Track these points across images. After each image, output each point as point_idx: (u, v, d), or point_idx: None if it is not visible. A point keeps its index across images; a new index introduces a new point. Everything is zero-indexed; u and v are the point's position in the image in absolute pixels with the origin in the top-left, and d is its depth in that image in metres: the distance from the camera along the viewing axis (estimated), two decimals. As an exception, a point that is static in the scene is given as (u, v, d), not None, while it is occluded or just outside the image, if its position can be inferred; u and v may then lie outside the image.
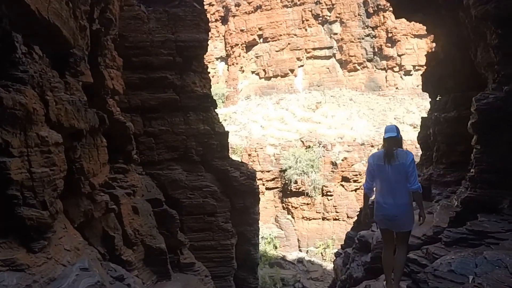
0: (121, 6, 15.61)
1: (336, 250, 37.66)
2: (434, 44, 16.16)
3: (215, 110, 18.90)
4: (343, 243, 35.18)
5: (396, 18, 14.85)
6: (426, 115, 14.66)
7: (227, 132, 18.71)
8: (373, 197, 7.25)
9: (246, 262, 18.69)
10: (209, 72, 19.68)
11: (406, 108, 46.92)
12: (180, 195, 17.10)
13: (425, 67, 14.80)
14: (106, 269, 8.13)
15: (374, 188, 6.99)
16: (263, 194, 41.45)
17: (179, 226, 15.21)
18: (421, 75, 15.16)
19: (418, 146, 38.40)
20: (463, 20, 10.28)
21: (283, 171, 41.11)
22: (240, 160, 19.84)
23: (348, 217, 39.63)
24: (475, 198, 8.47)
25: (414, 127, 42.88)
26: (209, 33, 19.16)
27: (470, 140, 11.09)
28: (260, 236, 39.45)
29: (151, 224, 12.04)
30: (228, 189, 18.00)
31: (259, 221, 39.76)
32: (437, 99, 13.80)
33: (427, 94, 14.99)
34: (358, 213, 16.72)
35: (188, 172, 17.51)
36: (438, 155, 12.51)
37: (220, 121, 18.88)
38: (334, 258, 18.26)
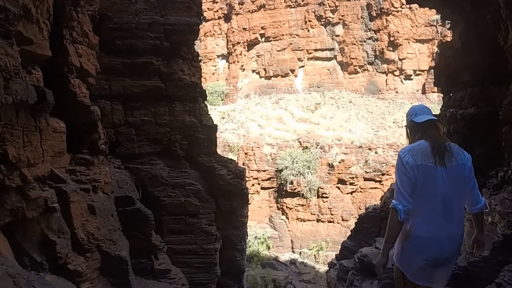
0: (103, -22, 13.51)
1: (331, 254, 36.01)
2: (436, 49, 14.21)
3: (204, 101, 16.73)
4: (336, 246, 33.14)
5: (407, 3, 12.81)
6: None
7: (216, 126, 16.54)
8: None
9: (230, 269, 16.50)
10: (200, 60, 17.51)
11: (405, 112, 44.49)
12: (160, 193, 14.97)
13: (436, 60, 12.78)
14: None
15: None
16: (258, 193, 39.75)
17: (154, 227, 13.02)
18: (433, 67, 13.12)
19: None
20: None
21: (279, 171, 39.05)
22: (229, 158, 17.64)
23: (343, 219, 37.76)
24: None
25: (413, 132, 40.97)
26: (201, 17, 17.06)
27: (491, 142, 9.06)
28: (253, 236, 37.93)
29: (112, 226, 9.83)
30: (214, 188, 15.83)
31: (253, 221, 38.32)
32: (451, 94, 11.70)
33: (426, 94, 13.01)
34: (357, 222, 14.53)
35: (170, 167, 15.36)
36: (453, 158, 10.37)
37: (209, 113, 16.69)
38: (328, 267, 16.27)
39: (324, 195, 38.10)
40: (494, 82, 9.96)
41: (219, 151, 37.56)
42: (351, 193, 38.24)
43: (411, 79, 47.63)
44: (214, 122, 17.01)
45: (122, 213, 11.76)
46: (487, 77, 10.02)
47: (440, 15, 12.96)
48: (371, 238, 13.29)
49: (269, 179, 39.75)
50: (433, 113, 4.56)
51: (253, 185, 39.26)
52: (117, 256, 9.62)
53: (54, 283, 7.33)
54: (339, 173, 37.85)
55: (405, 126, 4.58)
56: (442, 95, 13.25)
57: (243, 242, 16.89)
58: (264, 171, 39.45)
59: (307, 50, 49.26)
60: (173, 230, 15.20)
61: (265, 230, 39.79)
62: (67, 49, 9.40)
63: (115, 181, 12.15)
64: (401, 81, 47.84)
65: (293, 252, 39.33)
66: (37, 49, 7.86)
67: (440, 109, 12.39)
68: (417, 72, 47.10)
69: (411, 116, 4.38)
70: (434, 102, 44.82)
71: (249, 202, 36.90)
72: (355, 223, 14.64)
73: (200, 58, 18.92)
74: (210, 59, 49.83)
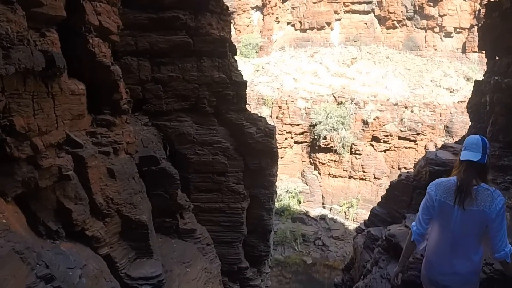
0: None
1: (361, 211, 35.61)
2: (478, 7, 12.98)
3: (234, 56, 16.08)
4: (367, 204, 32.52)
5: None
6: (479, 79, 11.63)
7: (245, 82, 15.87)
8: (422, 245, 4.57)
9: (257, 228, 16.29)
10: (230, 13, 16.74)
11: (444, 71, 42.96)
12: (188, 151, 14.67)
13: (482, 19, 11.68)
14: (30, 265, 5.78)
15: (427, 237, 4.45)
16: (291, 147, 39.48)
17: (179, 187, 12.82)
18: (475, 26, 12.03)
19: (454, 111, 35.35)
20: None
21: (312, 125, 38.49)
22: (259, 115, 17.04)
23: (375, 177, 37.29)
24: None
25: (451, 92, 39.69)
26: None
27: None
28: (284, 190, 37.84)
29: (132, 190, 9.53)
30: (242, 146, 15.38)
31: (285, 175, 38.10)
32: (496, 58, 10.73)
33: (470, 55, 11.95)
34: (388, 188, 13.90)
35: (198, 125, 14.96)
36: (494, 130, 9.54)
37: (239, 69, 15.99)
38: (355, 232, 15.77)
39: (357, 152, 37.48)
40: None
41: (252, 104, 37.41)
42: (385, 151, 37.51)
43: (451, 37, 45.50)
44: (248, 75, 16.42)
45: (147, 172, 11.56)
46: (538, 42, 9.08)
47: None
48: (402, 207, 12.68)
49: (302, 133, 39.27)
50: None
51: (286, 139, 38.93)
52: (137, 220, 9.40)
53: (69, 252, 7.15)
54: (373, 130, 37.02)
55: None
56: (484, 57, 12.31)
57: (271, 202, 16.55)
58: (298, 125, 38.93)
59: (343, 3, 47.35)
60: (200, 188, 14.99)
61: (296, 184, 39.63)
62: (83, 7, 8.84)
63: (140, 141, 11.85)
64: (441, 38, 45.84)
65: (324, 207, 39.17)
66: (50, 11, 7.38)
67: (484, 75, 11.43)
68: (458, 30, 44.81)
69: (462, 148, 4.31)
70: (475, 63, 42.99)
71: (282, 157, 36.65)
72: (386, 189, 13.97)
73: (233, 10, 18.18)
74: (244, 11, 48.38)
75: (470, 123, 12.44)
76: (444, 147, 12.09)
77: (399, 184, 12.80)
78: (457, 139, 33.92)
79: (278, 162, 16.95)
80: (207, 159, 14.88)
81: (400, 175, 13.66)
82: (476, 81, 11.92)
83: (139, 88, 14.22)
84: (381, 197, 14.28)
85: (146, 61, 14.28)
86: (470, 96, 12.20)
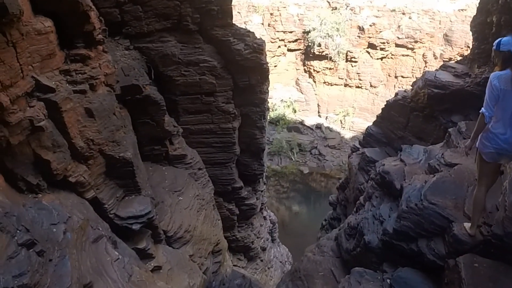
0: None
1: (357, 120, 35.34)
2: None
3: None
4: (363, 112, 32.22)
5: None
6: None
7: (230, -5, 14.99)
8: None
9: (250, 147, 16.10)
10: None
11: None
12: (173, 72, 14.06)
13: None
14: (10, 233, 5.57)
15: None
16: (285, 55, 38.77)
17: (166, 113, 12.47)
18: None
19: (454, 19, 34.00)
20: None
21: (306, 32, 37.52)
22: (247, 30, 16.19)
23: (371, 86, 36.87)
24: None
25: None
26: None
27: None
28: (279, 99, 37.48)
29: (114, 126, 9.11)
30: (230, 64, 14.72)
31: (280, 83, 37.56)
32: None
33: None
34: (384, 108, 13.53)
35: (183, 44, 14.22)
36: (500, 54, 8.99)
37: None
38: (350, 151, 15.57)
39: (353, 59, 36.74)
40: None
41: (243, 12, 36.11)
42: (381, 58, 36.72)
43: None
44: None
45: (131, 102, 11.15)
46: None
47: None
48: (397, 129, 12.31)
49: (295, 40, 38.36)
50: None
51: (279, 47, 38.10)
52: (121, 158, 9.09)
53: (51, 206, 6.91)
54: (370, 37, 36.02)
55: (498, 51, 5.66)
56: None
57: (263, 119, 16.21)
58: (291, 32, 37.94)
59: None
60: (189, 110, 14.59)
61: (291, 93, 39.30)
62: None
63: (120, 69, 11.27)
64: None
65: (319, 116, 39.05)
66: None
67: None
68: None
69: (504, 49, 5.52)
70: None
71: (275, 65, 35.70)
72: (382, 108, 13.51)
73: None
74: None
75: (471, 36, 11.77)
76: (445, 67, 11.48)
77: (396, 104, 12.39)
78: (456, 49, 33.14)
79: (271, 71, 16.38)
80: (194, 79, 14.32)
81: (396, 93, 13.17)
82: (482, -2, 11.08)
83: (116, 11, 13.29)
84: (377, 116, 13.90)
85: (121, -20, 13.33)
86: (474, 13, 11.43)
